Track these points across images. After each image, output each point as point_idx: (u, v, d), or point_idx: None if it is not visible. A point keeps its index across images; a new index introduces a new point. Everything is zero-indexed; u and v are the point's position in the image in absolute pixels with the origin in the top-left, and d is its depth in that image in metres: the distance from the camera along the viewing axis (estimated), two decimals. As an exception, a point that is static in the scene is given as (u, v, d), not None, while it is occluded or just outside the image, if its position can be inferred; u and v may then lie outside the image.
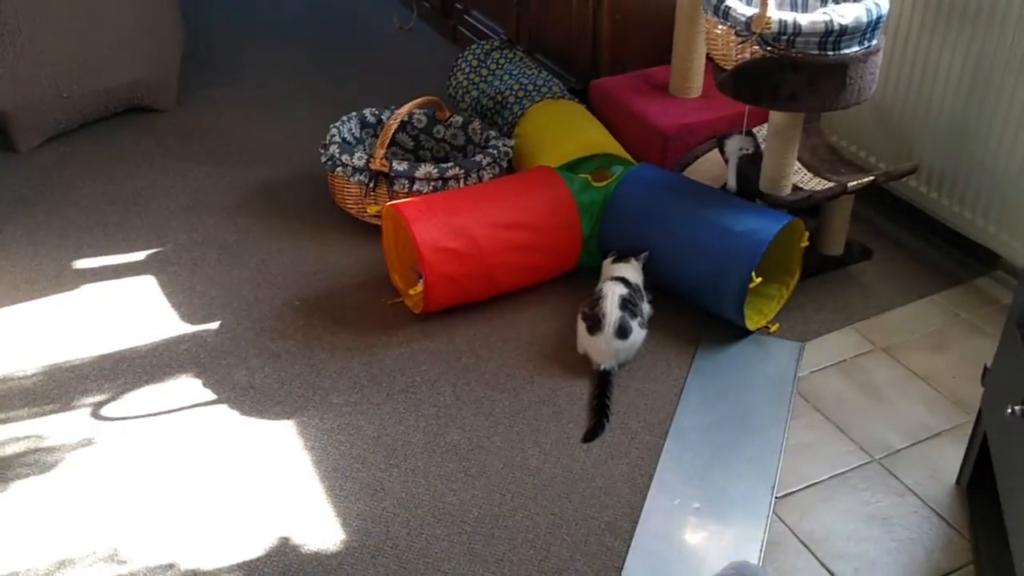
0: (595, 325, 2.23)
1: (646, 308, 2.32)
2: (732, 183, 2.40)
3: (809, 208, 2.42)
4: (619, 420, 2.12)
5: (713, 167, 2.69)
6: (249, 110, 3.52)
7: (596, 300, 2.25)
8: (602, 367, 2.23)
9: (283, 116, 3.48)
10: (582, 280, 2.51)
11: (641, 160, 2.77)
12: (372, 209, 2.44)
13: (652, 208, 2.43)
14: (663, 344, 2.35)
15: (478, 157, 2.71)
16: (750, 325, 2.35)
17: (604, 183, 2.56)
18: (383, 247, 2.53)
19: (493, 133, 2.87)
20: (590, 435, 2.09)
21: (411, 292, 2.36)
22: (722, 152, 2.50)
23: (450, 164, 2.66)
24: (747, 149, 2.37)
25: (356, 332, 2.39)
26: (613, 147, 2.72)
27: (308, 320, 2.43)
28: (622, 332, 2.23)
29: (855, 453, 2.06)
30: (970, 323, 2.43)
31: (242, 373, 2.25)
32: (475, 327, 2.42)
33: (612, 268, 2.40)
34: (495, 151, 2.75)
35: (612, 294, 2.24)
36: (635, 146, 2.83)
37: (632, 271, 2.38)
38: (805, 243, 2.42)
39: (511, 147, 2.81)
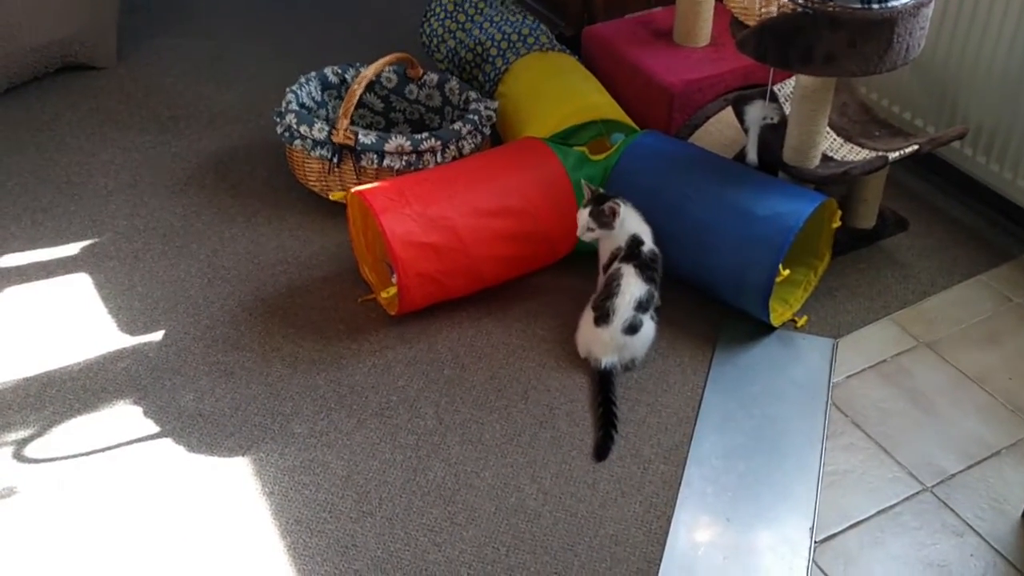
0: (603, 318, 1.93)
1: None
2: (753, 156, 2.07)
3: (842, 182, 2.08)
4: (630, 446, 1.83)
5: (727, 129, 2.35)
6: (198, 66, 3.12)
7: (609, 292, 1.93)
8: (603, 364, 1.92)
9: (237, 72, 3.09)
10: (578, 267, 2.19)
11: (643, 122, 2.42)
12: (336, 195, 2.10)
13: (660, 186, 2.10)
14: (675, 345, 2.05)
15: (457, 125, 2.35)
16: (775, 320, 2.05)
17: (603, 156, 2.21)
18: (350, 236, 2.20)
19: (473, 94, 2.50)
20: (601, 451, 1.80)
21: (383, 294, 2.03)
22: (741, 120, 2.15)
23: (425, 135, 2.31)
24: (771, 118, 2.03)
25: (322, 339, 2.07)
26: (612, 111, 2.36)
27: (266, 325, 2.11)
28: (631, 329, 1.92)
29: (903, 480, 1.77)
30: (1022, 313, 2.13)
31: (190, 397, 1.93)
32: (459, 329, 2.10)
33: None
34: (476, 117, 2.39)
35: (629, 293, 1.92)
36: (635, 105, 2.47)
37: (640, 222, 2.02)
38: (837, 223, 2.09)
39: (494, 110, 2.45)
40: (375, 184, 2.08)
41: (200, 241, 2.36)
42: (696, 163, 2.11)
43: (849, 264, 2.26)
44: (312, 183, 2.43)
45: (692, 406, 1.92)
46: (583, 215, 1.98)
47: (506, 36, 2.64)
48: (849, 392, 1.95)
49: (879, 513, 1.71)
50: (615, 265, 1.97)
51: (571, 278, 2.22)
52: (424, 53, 2.87)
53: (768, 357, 2.02)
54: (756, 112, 2.04)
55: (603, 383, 1.92)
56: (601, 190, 2.00)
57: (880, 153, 2.07)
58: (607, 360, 1.94)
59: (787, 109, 2.20)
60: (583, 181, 2.01)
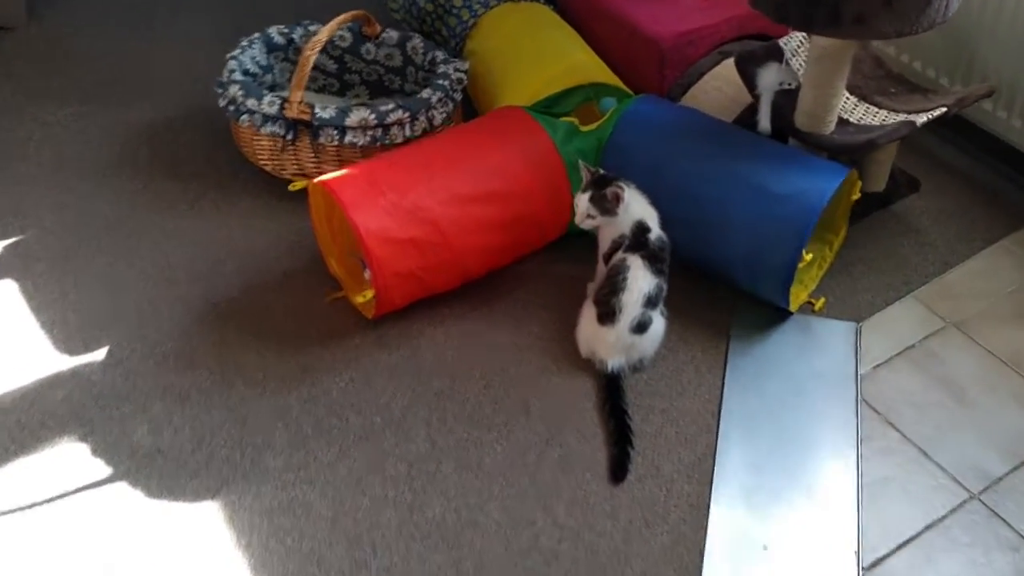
0: (608, 315, 1.72)
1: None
2: (766, 124, 1.84)
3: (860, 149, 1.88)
4: (648, 463, 1.64)
5: (725, 87, 2.12)
6: (124, 22, 2.78)
7: (615, 287, 1.72)
8: (609, 366, 1.73)
9: (168, 28, 2.76)
10: (569, 250, 1.97)
11: (630, 82, 2.18)
12: (295, 185, 1.84)
13: (662, 161, 1.87)
14: (686, 338, 1.85)
15: (426, 93, 2.09)
16: (791, 304, 1.86)
17: (595, 126, 1.97)
18: (312, 225, 1.94)
19: (440, 54, 2.23)
20: (618, 472, 1.62)
21: (359, 298, 1.79)
22: (749, 84, 1.92)
23: (390, 106, 2.04)
24: (789, 83, 1.80)
25: (289, 349, 1.83)
26: (601, 72, 2.11)
27: (223, 335, 1.86)
28: (640, 328, 1.72)
29: (948, 488, 1.62)
30: (1053, 279, 1.98)
31: (143, 430, 1.69)
32: (443, 328, 1.88)
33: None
34: (446, 82, 2.12)
35: (636, 288, 1.71)
36: (620, 62, 2.22)
37: (645, 205, 1.80)
38: (857, 195, 1.90)
39: (464, 72, 2.19)
40: (341, 172, 1.82)
41: (139, 235, 2.08)
42: (701, 133, 1.89)
43: (862, 232, 2.07)
44: (263, 162, 2.16)
45: (711, 411, 1.73)
46: (582, 201, 1.75)
47: (471, -18, 2.36)
48: (879, 385, 1.78)
49: (927, 528, 1.56)
50: (619, 255, 1.75)
51: (562, 263, 2.00)
52: (377, 4, 2.57)
53: (788, 347, 1.84)
54: (771, 77, 1.81)
55: (611, 389, 1.72)
56: (601, 171, 1.77)
57: (906, 117, 1.86)
58: (614, 362, 1.74)
59: (795, 65, 1.98)
60: (581, 163, 1.77)
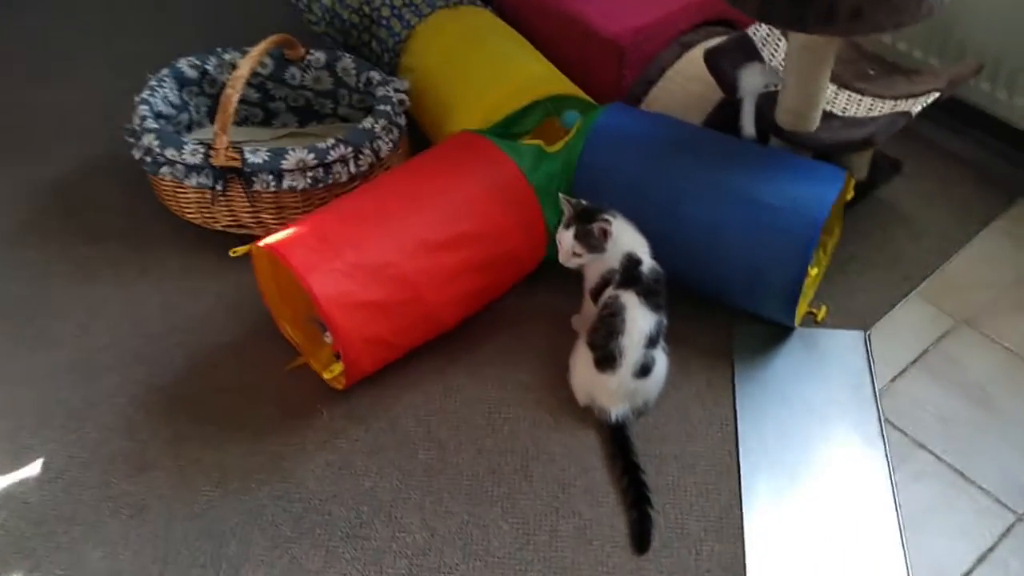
0: (607, 361, 1.55)
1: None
2: (750, 129, 1.68)
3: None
4: (671, 523, 1.48)
5: (689, 83, 1.96)
6: (12, 72, 2.48)
7: (611, 329, 1.54)
8: (613, 416, 1.57)
9: (67, 74, 2.48)
10: (546, 279, 1.80)
11: (587, 86, 1.99)
12: (237, 251, 1.61)
13: (642, 180, 1.70)
14: (688, 369, 1.69)
15: (367, 122, 1.87)
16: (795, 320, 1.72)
17: (561, 144, 1.79)
18: (260, 289, 1.72)
19: (376, 75, 2.01)
20: (641, 540, 1.46)
21: (326, 374, 1.58)
22: (723, 83, 1.75)
23: (330, 142, 1.82)
24: (775, 85, 1.64)
25: (252, 435, 1.62)
26: (558, 83, 1.92)
27: (175, 427, 1.64)
28: (644, 371, 1.56)
29: (992, 511, 1.50)
30: (1056, 258, 1.87)
31: (97, 555, 1.47)
32: (421, 389, 1.69)
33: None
34: (387, 107, 1.91)
35: (636, 330, 1.54)
36: (573, 64, 2.03)
37: (633, 235, 1.63)
38: (850, 195, 1.75)
39: (406, 93, 1.98)
40: (287, 233, 1.60)
41: (61, 314, 1.84)
42: (680, 143, 1.72)
43: (850, 225, 1.93)
44: (191, 215, 1.92)
45: (728, 450, 1.58)
46: (566, 238, 1.57)
47: (398, -11, 2.14)
48: (899, 400, 1.65)
49: (980, 562, 1.44)
50: (610, 292, 1.58)
51: (541, 294, 1.82)
52: (295, 16, 2.33)
53: (797, 367, 1.70)
54: (754, 79, 1.65)
55: (618, 441, 1.56)
56: (584, 203, 1.59)
57: (895, 105, 1.72)
58: (617, 411, 1.58)
59: (766, 56, 1.82)
60: (562, 196, 1.59)
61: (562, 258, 1.60)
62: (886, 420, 1.62)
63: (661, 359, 1.59)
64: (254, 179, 1.82)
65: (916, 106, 1.69)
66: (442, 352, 1.73)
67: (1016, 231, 1.92)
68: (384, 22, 2.13)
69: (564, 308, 1.76)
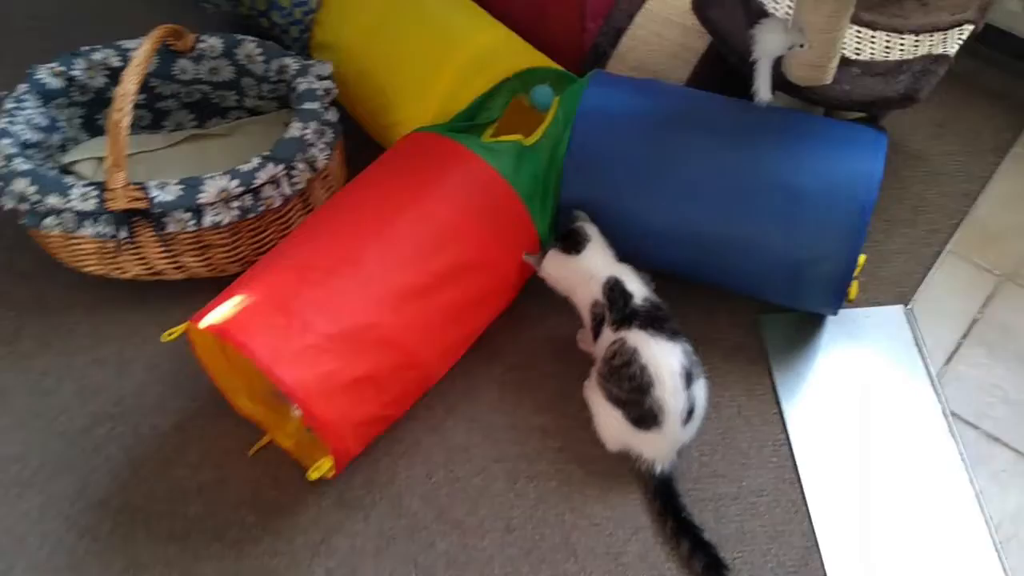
0: (647, 420, 1.31)
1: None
2: (767, 94, 1.40)
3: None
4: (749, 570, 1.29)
5: (665, 29, 1.67)
6: None
7: (640, 383, 1.30)
8: (658, 469, 1.34)
9: None
10: (540, 291, 1.51)
11: (544, 43, 1.67)
12: (171, 334, 1.27)
13: (645, 171, 1.42)
14: (722, 381, 1.47)
15: (295, 128, 1.51)
16: (830, 305, 1.50)
17: (539, 132, 1.48)
18: (202, 366, 1.39)
19: (290, 62, 1.64)
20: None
21: (312, 474, 1.27)
22: (716, 32, 1.46)
23: (255, 163, 1.47)
24: (800, 44, 1.36)
25: (227, 550, 1.33)
26: (522, 54, 1.59)
27: (128, 551, 1.33)
28: (691, 415, 1.33)
29: (1089, 507, 1.35)
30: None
31: None
32: (421, 456, 1.42)
33: (580, 264, 1.40)
34: (314, 104, 1.55)
35: (668, 375, 1.29)
36: (524, 22, 1.69)
37: (612, 255, 1.41)
38: (878, 151, 1.51)
39: (331, 78, 1.61)
40: (234, 305, 1.26)
41: (-52, 418, 1.48)
42: (686, 119, 1.43)
43: (859, 174, 1.71)
44: (91, 268, 1.56)
45: (788, 479, 1.38)
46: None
47: (296, -56, 1.74)
48: (959, 385, 1.47)
49: (1090, 573, 1.29)
50: (615, 337, 1.33)
51: (534, 312, 1.54)
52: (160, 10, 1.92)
53: (838, 359, 1.50)
54: (774, 41, 1.35)
55: (667, 501, 1.33)
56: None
57: (927, 47, 1.47)
58: (664, 464, 1.34)
59: (772, 8, 1.54)
60: (579, 217, 1.33)
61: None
62: (952, 413, 1.43)
63: (701, 388, 1.35)
64: (166, 220, 1.46)
65: (952, 46, 1.44)
66: (435, 403, 1.45)
67: (1038, 157, 1.74)
68: (284, -14, 1.74)
69: (564, 323, 1.50)
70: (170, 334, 1.29)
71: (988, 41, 1.82)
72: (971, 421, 1.43)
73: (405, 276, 1.31)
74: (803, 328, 1.53)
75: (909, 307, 1.55)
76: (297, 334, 1.23)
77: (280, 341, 1.22)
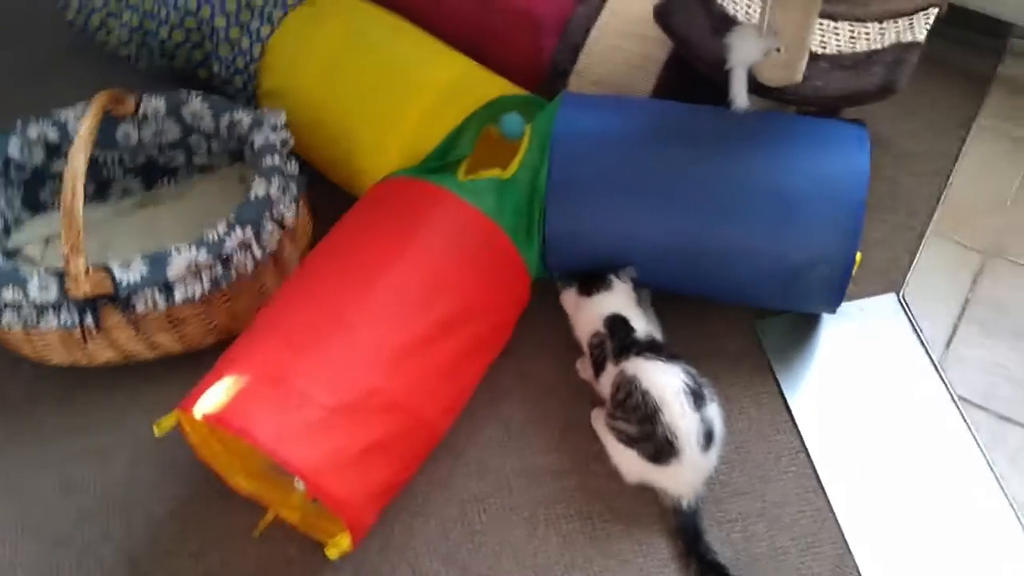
0: (663, 451, 1.27)
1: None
2: (743, 100, 1.37)
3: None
4: (789, 605, 1.26)
5: (625, 41, 1.63)
6: None
7: (646, 413, 1.26)
8: (685, 504, 1.30)
9: None
10: (532, 317, 1.47)
11: (500, 65, 1.62)
12: (163, 426, 1.20)
13: (630, 193, 1.38)
14: (728, 393, 1.42)
15: (258, 187, 1.44)
16: (824, 303, 1.48)
17: (516, 163, 1.43)
18: (195, 451, 1.32)
19: (241, 114, 1.56)
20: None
21: (330, 551, 1.21)
22: (677, 38, 1.43)
23: (221, 229, 1.39)
24: (777, 48, 1.33)
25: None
26: (484, 82, 1.54)
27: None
28: (709, 438, 1.29)
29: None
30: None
31: None
32: (435, 513, 1.37)
33: (590, 304, 1.39)
34: (273, 158, 1.48)
35: (675, 399, 1.26)
36: (478, 48, 1.64)
37: (627, 301, 1.39)
38: (854, 143, 1.50)
39: (286, 127, 1.54)
40: (227, 387, 1.19)
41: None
42: (665, 134, 1.40)
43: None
44: (58, 361, 1.47)
45: (811, 487, 1.36)
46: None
47: (230, -11, 1.67)
48: (963, 369, 1.46)
49: (1120, 545, 1.29)
50: (616, 369, 1.31)
51: (527, 341, 1.49)
52: (83, 40, 1.82)
53: (840, 356, 1.48)
54: (750, 48, 1.32)
55: (692, 544, 1.28)
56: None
57: (893, 35, 1.46)
58: (691, 500, 1.30)
59: (732, 10, 1.51)
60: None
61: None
62: (960, 397, 1.43)
63: (716, 412, 1.31)
64: (135, 300, 1.38)
65: (920, 31, 1.43)
66: (441, 453, 1.39)
67: (997, 125, 1.74)
68: (223, 35, 1.66)
69: (561, 354, 1.46)
70: (160, 425, 1.22)
71: (938, 15, 1.82)
72: (980, 404, 1.43)
73: (400, 334, 1.25)
74: (801, 329, 1.51)
75: (901, 295, 1.54)
76: (297, 409, 1.17)
77: (281, 421, 1.16)
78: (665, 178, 1.37)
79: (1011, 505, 1.32)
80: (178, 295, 1.38)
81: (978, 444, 1.38)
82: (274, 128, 1.53)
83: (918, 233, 1.61)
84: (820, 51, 1.50)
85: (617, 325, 1.33)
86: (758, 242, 1.35)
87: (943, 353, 1.48)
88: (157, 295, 1.38)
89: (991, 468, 1.35)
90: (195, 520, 1.37)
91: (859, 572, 1.28)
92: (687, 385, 1.28)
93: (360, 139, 1.51)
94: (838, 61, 1.46)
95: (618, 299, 1.38)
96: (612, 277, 1.40)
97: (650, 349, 1.31)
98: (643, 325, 1.35)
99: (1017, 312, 1.51)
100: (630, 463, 1.30)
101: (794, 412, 1.42)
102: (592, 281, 1.40)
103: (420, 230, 1.32)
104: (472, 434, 1.42)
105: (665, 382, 1.27)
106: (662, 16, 1.47)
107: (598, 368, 1.35)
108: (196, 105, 1.58)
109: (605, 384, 1.33)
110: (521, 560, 1.31)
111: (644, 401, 1.26)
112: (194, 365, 1.33)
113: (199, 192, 1.68)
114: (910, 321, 1.51)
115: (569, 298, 1.43)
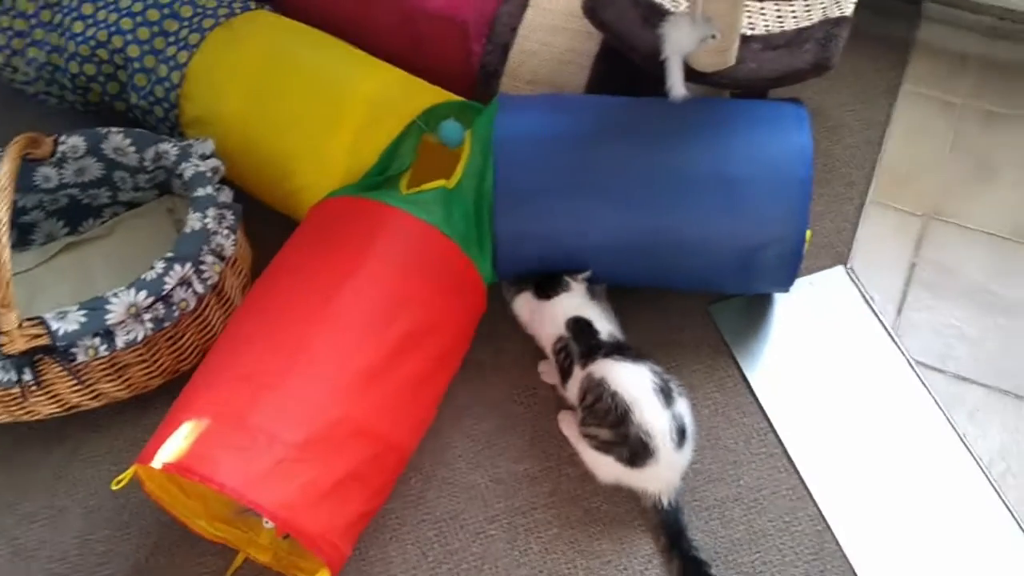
0: (639, 454, 1.26)
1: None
2: (680, 89, 1.36)
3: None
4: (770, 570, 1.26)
5: (553, 36, 1.61)
6: None
7: (618, 417, 1.25)
8: (666, 502, 1.29)
9: None
10: (487, 323, 1.45)
11: (429, 72, 1.59)
12: (121, 480, 1.14)
13: (576, 193, 1.37)
14: (691, 381, 1.43)
15: (194, 221, 1.38)
16: (773, 281, 1.49)
17: (459, 173, 1.40)
18: (155, 500, 1.26)
19: (167, 146, 1.49)
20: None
21: None
22: (611, 32, 1.42)
23: (160, 267, 1.34)
24: (712, 36, 1.32)
25: None
26: (417, 92, 1.51)
27: None
28: (682, 433, 1.28)
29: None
30: (976, 110, 1.74)
31: None
32: (411, 535, 1.34)
33: (549, 307, 1.38)
34: (207, 188, 1.43)
35: (643, 398, 1.25)
36: (405, 57, 1.61)
37: (585, 300, 1.38)
38: (790, 121, 1.51)
39: (215, 155, 1.49)
40: (188, 434, 1.14)
41: None
42: (606, 130, 1.38)
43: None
44: (-3, 418, 1.40)
45: (781, 465, 1.37)
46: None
47: (139, 16, 1.60)
48: (917, 333, 1.48)
49: (1084, 490, 1.32)
50: (578, 373, 1.30)
51: (486, 359, 1.47)
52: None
53: (796, 334, 1.49)
54: (685, 36, 1.31)
55: (674, 538, 1.28)
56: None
57: (820, 11, 1.47)
58: (671, 495, 1.29)
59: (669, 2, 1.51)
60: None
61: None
62: (916, 362, 1.45)
63: (685, 407, 1.30)
64: (74, 351, 1.31)
65: (847, 6, 1.44)
66: (409, 474, 1.37)
67: (922, 89, 1.77)
68: (137, 65, 1.60)
69: (521, 360, 1.44)
70: (119, 481, 1.16)
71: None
72: (935, 366, 1.45)
73: (360, 358, 1.22)
74: (754, 310, 1.52)
75: (849, 266, 1.56)
76: (264, 450, 1.12)
77: (247, 463, 1.11)
78: (610, 173, 1.36)
79: (977, 463, 1.34)
80: (119, 340, 1.33)
81: (939, 405, 1.40)
82: (203, 157, 1.48)
83: (857, 204, 1.63)
84: (749, 32, 1.50)
85: (580, 328, 1.31)
86: (709, 230, 1.35)
87: (895, 320, 1.50)
88: (98, 343, 1.32)
89: (954, 428, 1.38)
90: (161, 574, 1.31)
91: (839, 545, 1.29)
92: (655, 384, 1.27)
93: (293, 159, 1.46)
94: (769, 41, 1.46)
95: (576, 299, 1.37)
96: (567, 278, 1.38)
97: (616, 350, 1.30)
98: (605, 325, 1.33)
99: (963, 272, 1.54)
100: (606, 468, 1.29)
101: (757, 393, 1.43)
102: (549, 284, 1.38)
103: (369, 250, 1.29)
104: (440, 453, 1.39)
105: (634, 382, 1.26)
106: (592, 11, 1.45)
107: (565, 374, 1.33)
108: (117, 140, 1.51)
109: (572, 389, 1.31)
110: (503, 573, 1.29)
111: (614, 403, 1.25)
112: (139, 408, 1.28)
113: (126, 228, 1.62)
114: (860, 291, 1.52)
115: (523, 304, 1.41)
